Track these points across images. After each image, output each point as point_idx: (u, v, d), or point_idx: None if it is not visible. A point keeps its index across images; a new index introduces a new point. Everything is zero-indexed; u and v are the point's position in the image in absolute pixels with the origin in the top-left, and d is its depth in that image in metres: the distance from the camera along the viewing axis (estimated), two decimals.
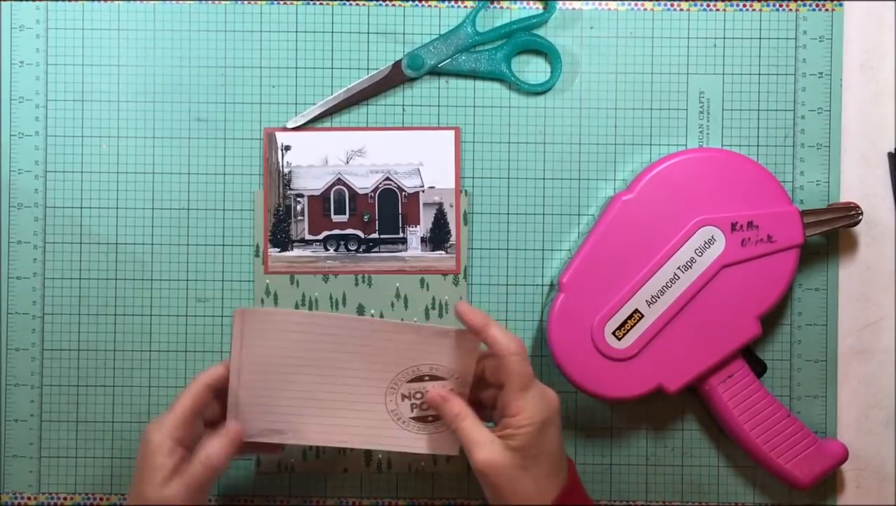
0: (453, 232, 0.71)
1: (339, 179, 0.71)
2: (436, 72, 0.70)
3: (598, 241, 0.66)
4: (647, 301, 0.66)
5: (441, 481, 0.71)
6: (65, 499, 0.71)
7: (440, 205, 0.71)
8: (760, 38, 0.71)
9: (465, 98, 0.71)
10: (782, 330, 0.71)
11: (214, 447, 0.60)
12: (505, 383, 0.59)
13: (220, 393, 0.63)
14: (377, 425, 0.65)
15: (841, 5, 0.70)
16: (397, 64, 0.70)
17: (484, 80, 0.71)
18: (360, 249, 0.71)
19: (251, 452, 0.67)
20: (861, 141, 0.71)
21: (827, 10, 0.70)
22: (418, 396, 0.65)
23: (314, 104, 0.70)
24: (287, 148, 0.71)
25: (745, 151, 0.70)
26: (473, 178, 0.71)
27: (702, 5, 0.71)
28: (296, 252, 0.71)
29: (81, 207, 0.71)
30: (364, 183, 0.71)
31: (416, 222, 0.71)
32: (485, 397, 0.63)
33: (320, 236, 0.71)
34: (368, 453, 0.71)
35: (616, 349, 0.66)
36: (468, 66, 0.70)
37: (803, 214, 0.67)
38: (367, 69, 0.71)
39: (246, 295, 0.71)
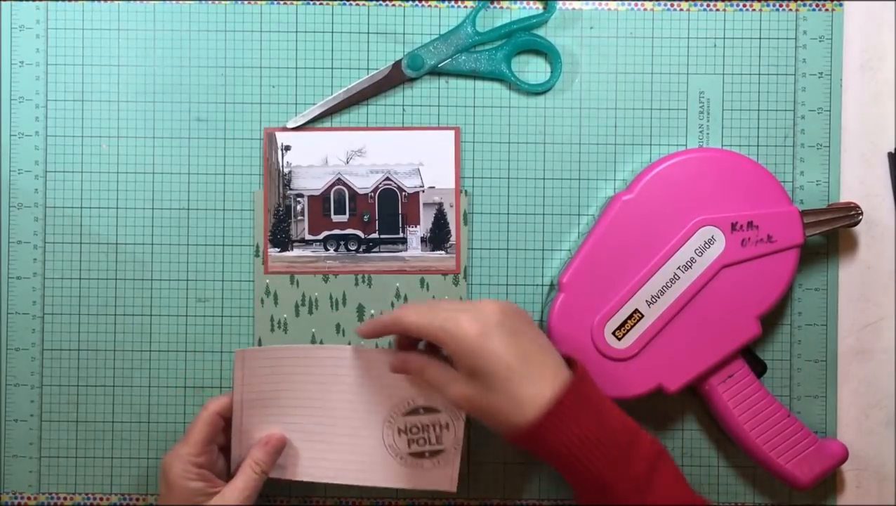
0: (453, 232, 0.71)
1: (339, 179, 0.71)
2: (436, 72, 0.70)
3: (598, 241, 0.66)
4: (647, 301, 0.66)
5: None
6: (65, 499, 0.71)
7: (440, 205, 0.71)
8: (760, 38, 0.71)
9: (465, 98, 0.71)
10: (782, 330, 0.71)
11: (259, 455, 0.64)
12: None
13: (229, 421, 0.66)
14: (376, 460, 0.66)
15: (841, 5, 0.70)
16: (397, 64, 0.70)
17: (484, 80, 0.71)
18: (360, 249, 0.71)
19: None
20: (861, 141, 0.71)
21: (827, 10, 0.70)
22: (414, 430, 0.65)
23: (314, 104, 0.70)
24: (287, 148, 0.71)
25: (745, 151, 0.70)
26: (473, 178, 0.71)
27: (702, 5, 0.71)
28: (296, 252, 0.71)
29: (81, 207, 0.71)
30: (364, 183, 0.71)
31: (416, 222, 0.71)
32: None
33: (320, 236, 0.71)
34: None
35: (616, 349, 0.66)
36: (468, 66, 0.70)
37: (803, 214, 0.67)
38: (367, 69, 0.71)
39: (246, 295, 0.71)
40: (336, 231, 0.71)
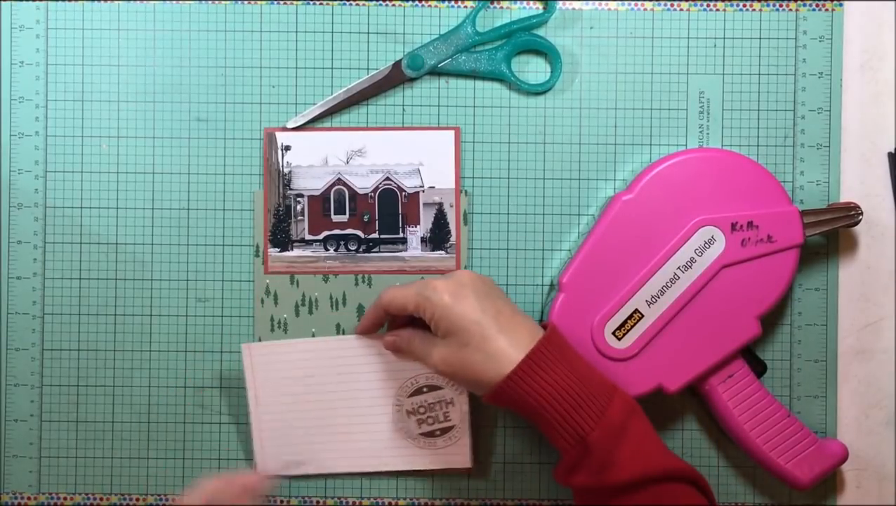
0: (453, 232, 0.71)
1: (339, 179, 0.71)
2: (436, 72, 0.70)
3: (598, 241, 0.66)
4: (647, 301, 0.66)
5: (441, 481, 0.71)
6: (65, 499, 0.71)
7: (440, 205, 0.71)
8: (760, 38, 0.71)
9: (465, 98, 0.71)
10: (782, 330, 0.71)
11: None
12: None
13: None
14: (390, 445, 0.69)
15: (841, 5, 0.70)
16: (397, 64, 0.70)
17: (484, 80, 0.71)
18: (360, 249, 0.71)
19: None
20: (861, 141, 0.71)
21: (827, 10, 0.70)
22: (422, 410, 0.68)
23: (314, 104, 0.70)
24: (287, 148, 0.71)
25: (745, 151, 0.70)
26: (473, 178, 0.71)
27: (702, 5, 0.71)
28: (296, 252, 0.71)
29: (81, 207, 0.71)
30: (364, 183, 0.71)
31: (416, 222, 0.71)
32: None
33: (320, 236, 0.71)
34: None
35: (616, 349, 0.66)
36: (468, 66, 0.70)
37: (803, 214, 0.67)
38: (367, 69, 0.71)
39: (246, 295, 0.71)
40: (336, 231, 0.71)
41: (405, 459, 0.69)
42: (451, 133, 0.71)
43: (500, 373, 0.60)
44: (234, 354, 0.71)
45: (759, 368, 0.69)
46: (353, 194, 0.71)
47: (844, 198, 0.71)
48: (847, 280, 0.71)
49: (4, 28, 0.71)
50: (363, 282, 0.71)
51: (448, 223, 0.71)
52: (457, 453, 0.69)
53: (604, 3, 0.71)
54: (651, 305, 0.66)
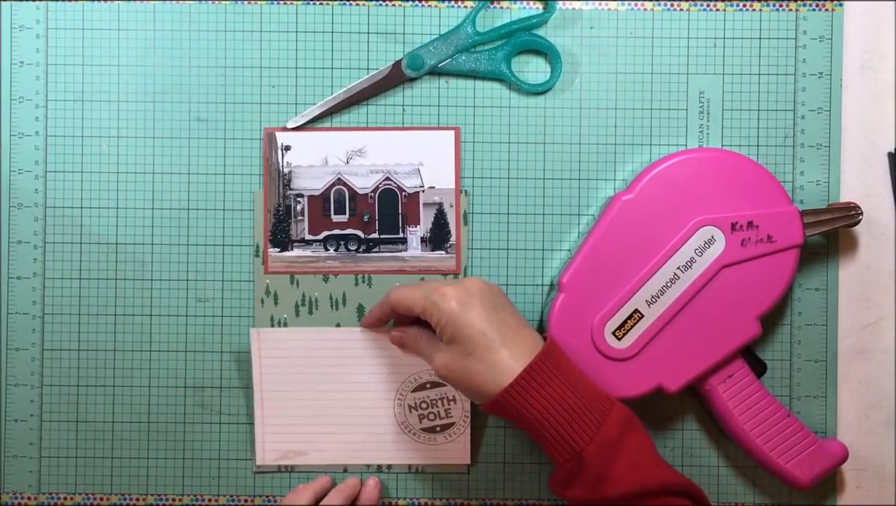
0: (453, 232, 0.71)
1: (339, 179, 0.71)
2: (436, 72, 0.70)
3: (598, 241, 0.66)
4: (647, 301, 0.66)
5: (441, 481, 0.71)
6: (65, 499, 0.71)
7: (440, 205, 0.71)
8: (760, 38, 0.71)
9: (465, 98, 0.71)
10: (782, 330, 0.71)
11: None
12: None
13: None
14: (391, 438, 0.70)
15: (841, 5, 0.70)
16: (397, 64, 0.70)
17: (484, 80, 0.71)
18: (360, 249, 0.71)
19: None
20: (861, 141, 0.71)
21: (827, 10, 0.70)
22: (424, 405, 0.69)
23: (314, 104, 0.70)
24: (287, 148, 0.71)
25: (745, 151, 0.70)
26: (473, 178, 0.71)
27: (702, 5, 0.71)
28: (296, 252, 0.71)
29: (81, 207, 0.71)
30: (364, 183, 0.71)
31: (416, 222, 0.71)
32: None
33: (320, 236, 0.71)
34: None
35: (616, 349, 0.66)
36: (468, 66, 0.70)
37: (803, 214, 0.67)
38: (367, 69, 0.71)
39: (246, 295, 0.71)
40: (336, 231, 0.71)
41: (405, 453, 0.70)
42: (451, 133, 0.71)
43: (499, 384, 0.60)
44: (234, 354, 0.71)
45: (759, 369, 0.69)
46: (353, 194, 0.71)
47: (844, 198, 0.71)
48: (847, 280, 0.71)
49: (4, 28, 0.71)
50: (363, 282, 0.71)
51: (448, 223, 0.71)
52: (457, 450, 0.70)
53: (604, 3, 0.71)
54: (651, 305, 0.66)
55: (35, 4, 0.71)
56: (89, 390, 0.71)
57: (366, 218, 0.71)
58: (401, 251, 0.71)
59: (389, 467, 0.71)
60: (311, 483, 0.69)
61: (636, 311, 0.66)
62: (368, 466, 0.71)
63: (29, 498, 0.71)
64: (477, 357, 0.61)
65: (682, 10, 0.71)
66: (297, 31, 0.71)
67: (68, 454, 0.71)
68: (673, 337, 0.66)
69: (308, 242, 0.71)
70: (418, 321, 0.66)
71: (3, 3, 0.71)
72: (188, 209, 0.71)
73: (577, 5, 0.71)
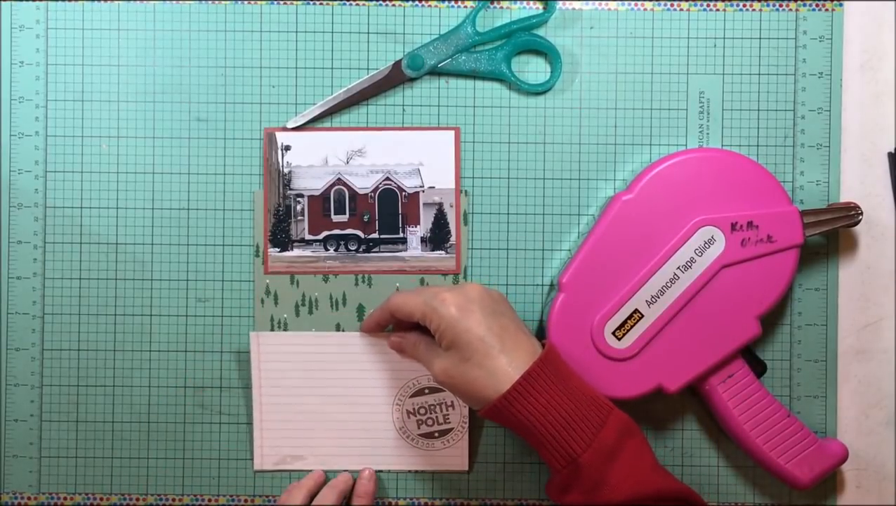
0: (453, 232, 0.71)
1: (339, 179, 0.71)
2: (436, 72, 0.70)
3: (598, 241, 0.66)
4: (647, 301, 0.66)
5: (441, 481, 0.71)
6: (65, 499, 0.71)
7: (440, 205, 0.71)
8: (760, 38, 0.71)
9: (465, 98, 0.71)
10: (782, 330, 0.71)
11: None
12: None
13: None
14: (389, 443, 0.70)
15: (841, 5, 0.70)
16: (397, 64, 0.70)
17: (484, 80, 0.71)
18: (360, 249, 0.71)
19: None
20: (861, 141, 0.71)
21: (827, 10, 0.70)
22: (422, 411, 0.69)
23: (314, 104, 0.70)
24: (287, 148, 0.71)
25: (745, 151, 0.70)
26: (473, 178, 0.71)
27: (702, 5, 0.71)
28: (296, 252, 0.71)
29: (81, 207, 0.71)
30: (364, 183, 0.71)
31: (416, 222, 0.71)
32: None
33: (320, 236, 0.71)
34: None
35: (616, 349, 0.66)
36: (468, 66, 0.70)
37: (803, 214, 0.67)
38: (367, 69, 0.71)
39: (246, 295, 0.71)
40: (336, 231, 0.71)
41: (403, 458, 0.70)
42: (451, 133, 0.71)
43: (497, 391, 0.60)
44: (234, 354, 0.71)
45: (759, 369, 0.69)
46: (353, 194, 0.71)
47: (844, 198, 0.71)
48: (847, 280, 0.71)
49: (4, 28, 0.71)
50: (363, 282, 0.71)
51: (448, 223, 0.71)
52: (454, 456, 0.70)
53: (604, 3, 0.71)
54: (651, 305, 0.66)
55: (35, 4, 0.71)
56: (89, 390, 0.71)
57: (366, 218, 0.71)
58: (401, 251, 0.71)
59: (390, 469, 0.71)
60: (303, 480, 0.69)
61: (636, 311, 0.66)
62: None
63: (29, 498, 0.71)
64: (475, 363, 0.61)
65: (682, 10, 0.71)
66: (297, 31, 0.71)
67: (68, 454, 0.71)
68: (673, 337, 0.66)
69: (308, 242, 0.71)
70: (417, 327, 0.66)
71: (3, 3, 0.71)
72: (188, 209, 0.71)
73: (577, 5, 0.71)
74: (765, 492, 0.71)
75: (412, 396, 0.69)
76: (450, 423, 0.69)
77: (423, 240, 0.71)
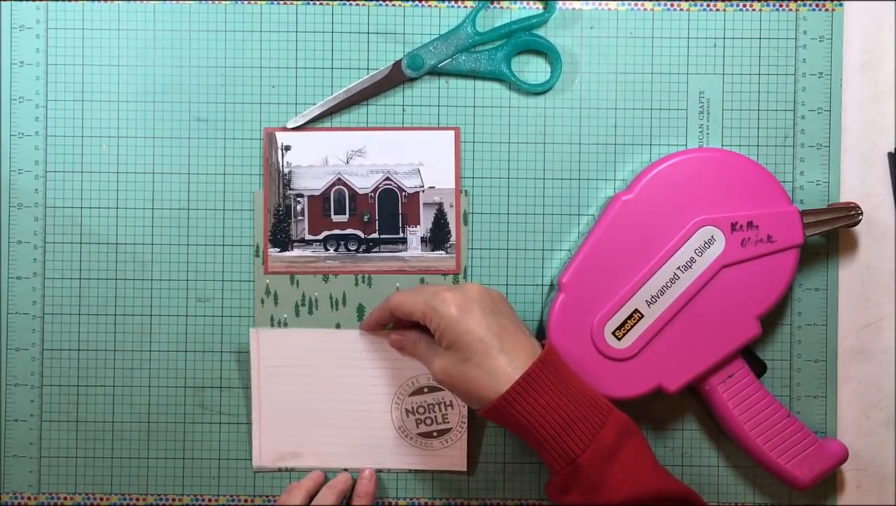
0: (453, 232, 0.71)
1: (339, 179, 0.71)
2: (436, 72, 0.70)
3: (598, 241, 0.66)
4: (647, 301, 0.66)
5: (441, 481, 0.71)
6: (65, 499, 0.71)
7: (440, 205, 0.71)
8: (760, 38, 0.71)
9: (465, 98, 0.71)
10: (782, 330, 0.71)
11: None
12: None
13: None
14: (387, 442, 0.70)
15: (841, 5, 0.70)
16: (397, 64, 0.70)
17: (484, 80, 0.71)
18: (360, 249, 0.71)
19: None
20: (861, 141, 0.71)
21: (827, 10, 0.70)
22: (421, 410, 0.69)
23: (314, 104, 0.70)
24: (287, 148, 0.71)
25: (745, 151, 0.70)
26: (473, 178, 0.71)
27: (702, 5, 0.71)
28: (296, 252, 0.71)
29: (81, 207, 0.71)
30: (364, 183, 0.71)
31: (416, 222, 0.71)
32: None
33: (320, 236, 0.71)
34: None
35: (616, 349, 0.66)
36: (468, 66, 0.70)
37: (803, 214, 0.67)
38: (367, 69, 0.71)
39: (246, 295, 0.71)
40: (336, 231, 0.71)
41: (401, 457, 0.70)
42: (451, 133, 0.71)
43: (496, 391, 0.60)
44: (234, 354, 0.71)
45: (759, 369, 0.69)
46: (353, 194, 0.71)
47: (844, 198, 0.71)
48: (847, 280, 0.71)
49: (4, 28, 0.71)
50: (363, 282, 0.71)
51: (448, 223, 0.71)
52: (453, 456, 0.70)
53: (604, 3, 0.71)
54: (651, 305, 0.66)
55: (35, 4, 0.71)
56: (89, 390, 0.71)
57: (366, 218, 0.71)
58: (401, 251, 0.71)
59: (388, 468, 0.71)
60: (303, 481, 0.69)
61: (636, 311, 0.66)
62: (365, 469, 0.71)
63: (29, 498, 0.71)
64: (475, 363, 0.61)
65: (682, 10, 0.71)
66: (297, 31, 0.71)
67: (68, 454, 0.71)
68: (673, 337, 0.66)
69: (308, 242, 0.71)
70: (417, 325, 0.66)
71: (3, 3, 0.71)
72: (188, 209, 0.71)
73: (577, 5, 0.71)
74: (765, 492, 0.71)
75: (411, 394, 0.69)
76: (448, 423, 0.69)
77: (423, 240, 0.71)
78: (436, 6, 0.71)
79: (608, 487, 0.59)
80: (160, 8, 0.71)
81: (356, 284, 0.71)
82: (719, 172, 0.66)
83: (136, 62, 0.71)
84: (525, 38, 0.70)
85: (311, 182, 0.71)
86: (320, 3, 0.71)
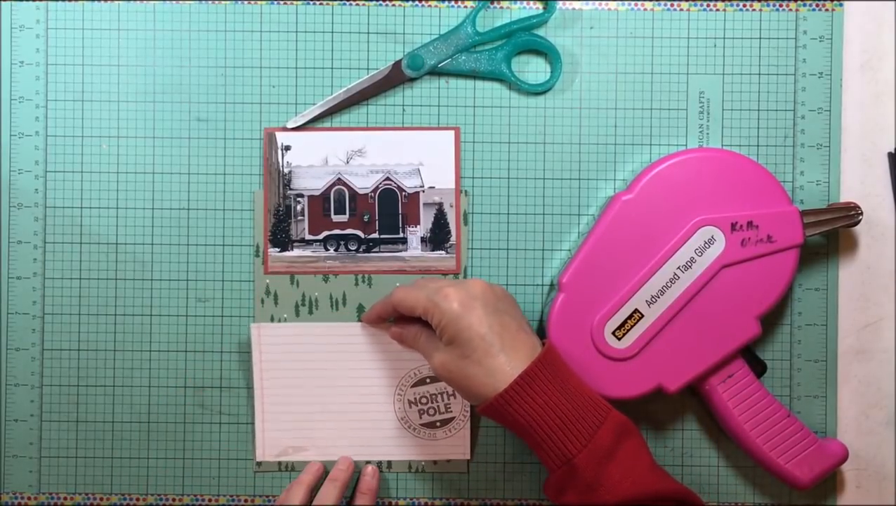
0: (453, 232, 0.71)
1: (339, 179, 0.71)
2: (436, 72, 0.70)
3: (598, 241, 0.66)
4: (647, 301, 0.66)
5: (441, 481, 0.71)
6: (65, 499, 0.71)
7: (440, 205, 0.71)
8: (760, 38, 0.71)
9: (465, 98, 0.71)
10: (782, 330, 0.71)
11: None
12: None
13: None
14: (390, 434, 0.70)
15: (841, 5, 0.70)
16: (397, 64, 0.70)
17: (484, 80, 0.71)
18: (360, 249, 0.71)
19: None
20: (861, 141, 0.71)
21: (827, 10, 0.70)
22: (423, 400, 0.69)
23: (314, 104, 0.70)
24: (287, 148, 0.71)
25: (745, 151, 0.70)
26: (473, 178, 0.71)
27: (702, 5, 0.71)
28: (296, 252, 0.71)
29: (81, 207, 0.71)
30: (364, 183, 0.71)
31: (416, 222, 0.71)
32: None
33: (320, 236, 0.71)
34: None
35: (616, 349, 0.66)
36: (468, 66, 0.70)
37: (803, 214, 0.67)
38: (367, 69, 0.71)
39: (246, 295, 0.71)
40: (336, 231, 0.71)
41: (405, 448, 0.70)
42: (451, 133, 0.71)
43: (495, 389, 0.60)
44: (234, 354, 0.71)
45: (759, 369, 0.69)
46: (353, 194, 0.71)
47: (844, 198, 0.71)
48: (847, 280, 0.71)
49: (4, 28, 0.71)
50: (363, 282, 0.71)
51: (448, 223, 0.71)
52: (456, 445, 0.70)
53: (604, 3, 0.71)
54: (651, 305, 0.66)
55: (35, 4, 0.71)
56: (89, 390, 0.71)
57: (366, 218, 0.71)
58: (401, 251, 0.71)
59: (389, 464, 0.71)
60: (302, 476, 0.68)
61: (636, 311, 0.66)
62: (368, 462, 0.71)
63: (29, 498, 0.71)
64: (475, 361, 0.61)
65: (682, 10, 0.71)
66: (297, 31, 0.71)
67: (68, 454, 0.71)
68: (673, 337, 0.66)
69: (308, 242, 0.71)
70: (419, 319, 0.66)
71: (3, 3, 0.71)
72: (188, 209, 0.71)
73: (577, 5, 0.71)
74: (765, 492, 0.71)
75: (413, 385, 0.70)
76: (451, 412, 0.70)
77: (423, 240, 0.71)
78: (436, 6, 0.71)
79: (605, 487, 0.59)
80: (160, 8, 0.71)
81: (356, 284, 0.71)
82: (719, 172, 0.66)
83: (136, 62, 0.71)
84: (525, 38, 0.70)
85: (311, 182, 0.71)
86: (320, 3, 0.71)
